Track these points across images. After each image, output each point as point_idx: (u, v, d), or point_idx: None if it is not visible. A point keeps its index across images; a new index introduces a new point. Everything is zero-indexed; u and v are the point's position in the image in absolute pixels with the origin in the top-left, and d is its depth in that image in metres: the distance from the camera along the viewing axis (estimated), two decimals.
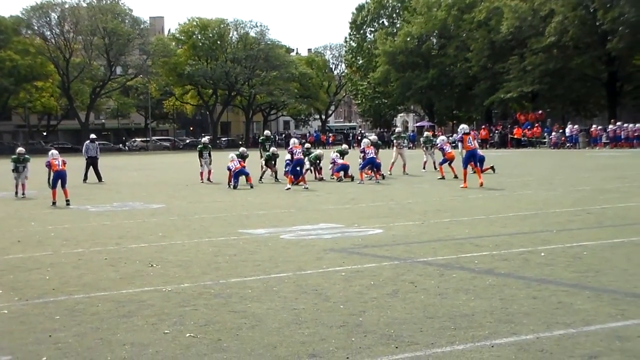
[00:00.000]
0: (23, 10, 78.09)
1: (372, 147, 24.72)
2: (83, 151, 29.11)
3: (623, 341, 5.87)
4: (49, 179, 20.22)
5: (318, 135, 78.45)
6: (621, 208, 14.89)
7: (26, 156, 22.56)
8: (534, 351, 5.67)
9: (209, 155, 26.58)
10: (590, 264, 8.98)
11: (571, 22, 53.90)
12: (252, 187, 23.09)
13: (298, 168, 23.33)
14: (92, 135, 30.10)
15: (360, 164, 24.40)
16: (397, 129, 35.65)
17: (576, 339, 5.95)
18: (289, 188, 22.01)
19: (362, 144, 26.62)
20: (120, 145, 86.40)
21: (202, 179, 26.27)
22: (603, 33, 54.55)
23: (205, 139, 28.96)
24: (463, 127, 22.48)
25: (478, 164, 22.02)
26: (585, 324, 6.38)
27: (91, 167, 28.15)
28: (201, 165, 26.54)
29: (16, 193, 22.09)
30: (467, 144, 21.12)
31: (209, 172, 26.35)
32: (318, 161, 26.37)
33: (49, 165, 20.04)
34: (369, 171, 24.31)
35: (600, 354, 5.56)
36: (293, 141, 25.46)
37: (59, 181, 19.63)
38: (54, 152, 21.04)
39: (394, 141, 30.30)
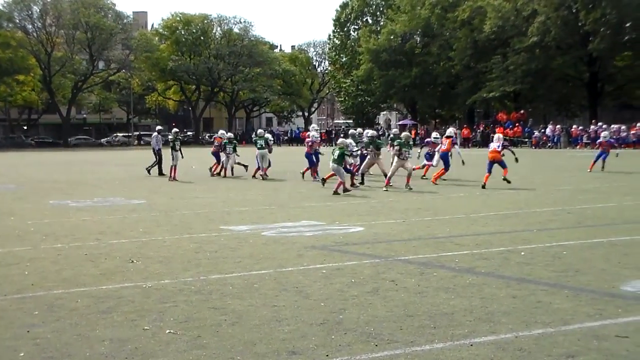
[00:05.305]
0: (4, 3, 77.45)
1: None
2: (153, 143, 28.58)
3: (600, 340, 5.93)
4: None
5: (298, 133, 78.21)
6: (600, 208, 15.02)
7: (177, 141, 25.89)
8: (512, 350, 5.71)
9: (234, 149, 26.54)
10: (569, 264, 9.05)
11: (553, 22, 54.25)
12: (212, 175, 25.62)
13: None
14: (159, 127, 30.36)
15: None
16: (393, 130, 33.46)
17: (554, 338, 6.00)
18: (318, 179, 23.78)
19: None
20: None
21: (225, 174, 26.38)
22: (585, 34, 54.98)
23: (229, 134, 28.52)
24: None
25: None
26: (564, 323, 6.43)
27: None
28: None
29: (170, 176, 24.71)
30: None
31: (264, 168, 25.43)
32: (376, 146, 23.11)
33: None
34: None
35: (577, 353, 5.61)
36: (314, 137, 25.38)
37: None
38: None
39: (394, 146, 22.04)
